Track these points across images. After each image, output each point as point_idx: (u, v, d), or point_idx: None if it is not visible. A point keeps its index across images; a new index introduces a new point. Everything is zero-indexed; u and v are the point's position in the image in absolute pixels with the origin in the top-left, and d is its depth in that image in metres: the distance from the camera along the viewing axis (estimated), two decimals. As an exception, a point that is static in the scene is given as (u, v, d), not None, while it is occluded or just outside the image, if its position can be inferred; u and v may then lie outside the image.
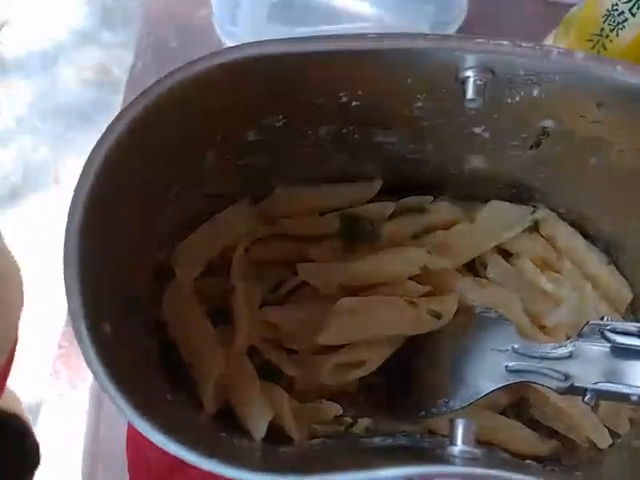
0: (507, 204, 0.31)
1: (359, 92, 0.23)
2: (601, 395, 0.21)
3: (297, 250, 0.30)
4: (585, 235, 0.32)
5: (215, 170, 0.26)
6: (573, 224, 0.31)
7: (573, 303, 0.29)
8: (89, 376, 0.39)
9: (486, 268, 0.31)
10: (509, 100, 0.23)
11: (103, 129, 0.19)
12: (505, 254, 0.31)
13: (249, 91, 0.22)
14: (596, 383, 0.21)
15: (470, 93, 0.22)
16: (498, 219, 0.31)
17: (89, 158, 0.19)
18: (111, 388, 0.18)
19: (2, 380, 0.27)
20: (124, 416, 0.19)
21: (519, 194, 0.31)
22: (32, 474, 0.20)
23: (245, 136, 0.25)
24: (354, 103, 0.24)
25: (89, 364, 0.19)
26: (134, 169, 0.21)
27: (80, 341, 0.19)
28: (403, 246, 0.30)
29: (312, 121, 0.25)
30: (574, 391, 0.22)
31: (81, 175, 0.19)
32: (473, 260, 0.31)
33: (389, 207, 0.31)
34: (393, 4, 0.45)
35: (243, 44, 0.21)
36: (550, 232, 0.31)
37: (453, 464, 0.20)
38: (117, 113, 0.19)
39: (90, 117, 1.02)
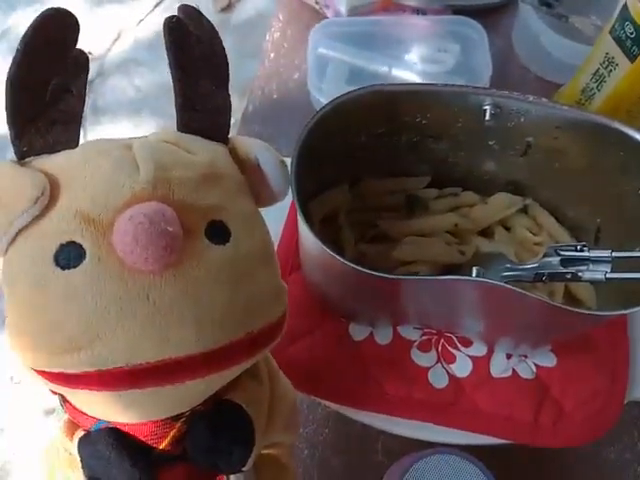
0: (507, 194, 0.50)
1: (427, 115, 0.43)
2: (551, 277, 0.39)
3: (376, 215, 0.50)
4: (557, 219, 0.50)
5: (339, 157, 0.45)
6: (549, 211, 0.50)
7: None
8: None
9: (493, 234, 0.50)
10: (508, 124, 0.43)
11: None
12: (505, 228, 0.50)
13: (369, 108, 0.42)
14: (549, 272, 0.40)
15: (487, 117, 0.41)
16: (501, 203, 0.50)
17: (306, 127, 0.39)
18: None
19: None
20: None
21: (514, 189, 0.50)
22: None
23: (360, 137, 0.45)
24: (424, 121, 0.44)
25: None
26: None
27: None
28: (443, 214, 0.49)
29: (399, 131, 0.45)
30: (537, 278, 0.40)
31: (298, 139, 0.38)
32: (485, 229, 0.50)
33: (434, 192, 0.50)
34: (437, 76, 0.66)
35: (372, 85, 0.41)
36: (533, 214, 0.50)
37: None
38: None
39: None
